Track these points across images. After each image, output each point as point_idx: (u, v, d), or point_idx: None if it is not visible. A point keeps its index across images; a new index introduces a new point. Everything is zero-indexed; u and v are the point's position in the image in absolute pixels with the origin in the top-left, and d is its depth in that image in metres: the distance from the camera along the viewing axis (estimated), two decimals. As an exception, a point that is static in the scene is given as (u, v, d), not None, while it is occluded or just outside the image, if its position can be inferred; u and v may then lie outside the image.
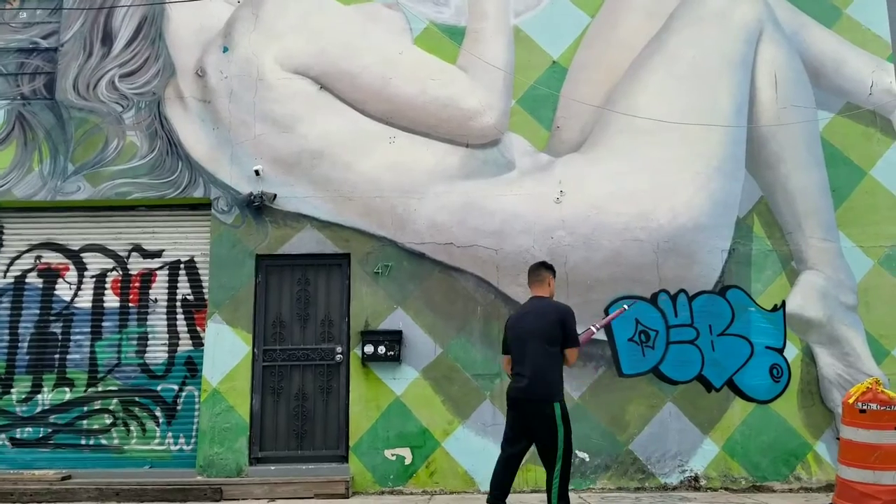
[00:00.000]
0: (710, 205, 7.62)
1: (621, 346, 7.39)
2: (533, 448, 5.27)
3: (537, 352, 5.13)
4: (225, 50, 7.89)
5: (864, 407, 5.20)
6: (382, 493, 7.10)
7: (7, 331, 7.68)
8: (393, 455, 7.19)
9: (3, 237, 7.85)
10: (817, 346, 7.37)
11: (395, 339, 7.28)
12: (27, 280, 7.78)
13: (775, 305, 7.45)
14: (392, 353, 7.24)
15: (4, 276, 7.78)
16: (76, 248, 7.82)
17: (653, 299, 7.47)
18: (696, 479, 7.12)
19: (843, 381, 7.27)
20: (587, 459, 7.20)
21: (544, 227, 7.58)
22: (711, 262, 7.52)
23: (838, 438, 5.71)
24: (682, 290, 7.48)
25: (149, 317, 7.69)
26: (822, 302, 7.44)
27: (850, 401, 5.30)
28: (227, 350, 7.40)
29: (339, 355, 7.43)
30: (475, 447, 7.17)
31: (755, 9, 8.00)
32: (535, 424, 5.13)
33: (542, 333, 5.16)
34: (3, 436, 7.50)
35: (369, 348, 7.26)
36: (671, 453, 7.19)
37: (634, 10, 8.05)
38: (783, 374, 7.32)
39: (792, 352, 7.36)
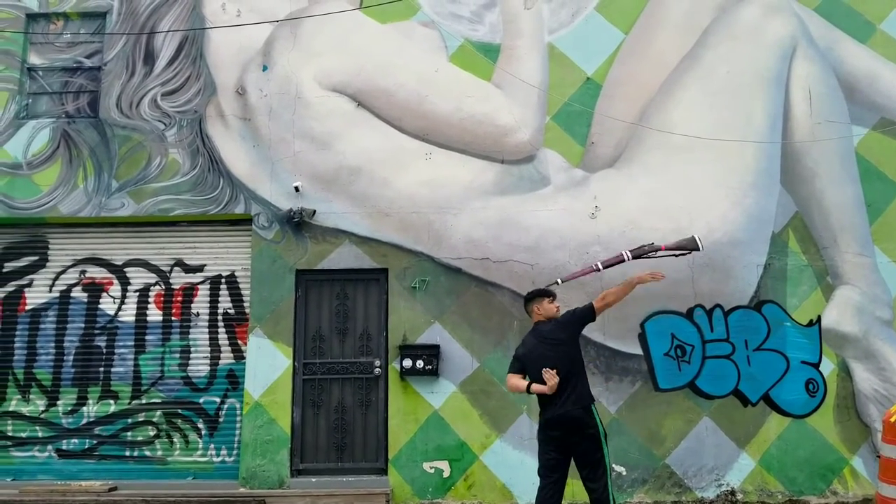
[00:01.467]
0: (745, 220, 7.67)
1: (657, 361, 7.45)
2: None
3: (568, 370, 5.28)
4: (264, 68, 8.04)
5: (907, 425, 5.24)
6: (422, 505, 7.22)
7: (53, 344, 7.86)
8: (431, 468, 7.30)
9: (49, 252, 8.04)
10: (853, 360, 7.40)
11: (432, 353, 7.39)
12: (72, 294, 7.96)
13: (811, 320, 7.48)
14: (430, 367, 7.35)
15: (50, 291, 7.97)
16: (120, 263, 7.99)
17: (689, 314, 7.53)
18: (732, 493, 7.17)
19: (879, 395, 7.29)
20: (624, 473, 7.26)
21: (579, 242, 7.67)
22: (747, 277, 7.57)
23: (878, 456, 5.74)
24: (718, 305, 7.53)
25: (191, 330, 7.84)
26: (857, 317, 7.47)
27: (893, 419, 5.34)
28: (268, 363, 7.54)
29: (377, 369, 7.54)
30: (513, 461, 7.26)
31: (789, 25, 8.04)
32: (577, 440, 5.23)
33: (566, 352, 5.37)
34: (50, 447, 7.68)
35: (407, 362, 7.37)
36: (708, 467, 7.25)
37: (668, 26, 8.12)
38: (819, 388, 7.36)
39: (828, 367, 7.39)
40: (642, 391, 7.41)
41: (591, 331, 7.46)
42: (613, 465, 7.20)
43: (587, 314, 5.51)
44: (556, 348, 5.37)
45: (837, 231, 7.65)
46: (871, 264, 7.56)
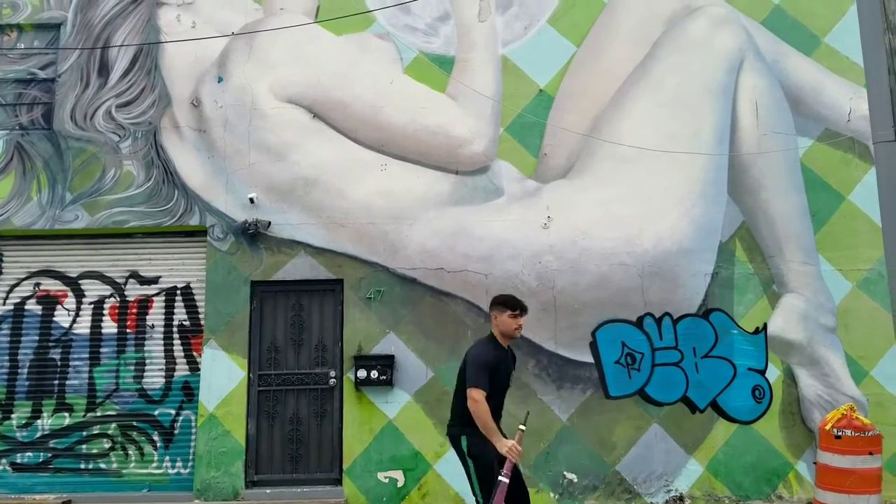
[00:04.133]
0: (694, 230, 7.82)
1: (608, 369, 7.58)
2: None
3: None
4: (220, 80, 8.07)
5: (840, 433, 5.41)
6: (376, 514, 7.28)
7: (7, 357, 7.84)
8: (386, 478, 7.37)
9: (3, 265, 8.02)
10: (798, 367, 7.58)
11: (387, 363, 7.46)
12: (26, 307, 7.94)
13: (757, 328, 7.65)
14: (384, 377, 7.42)
15: (4, 304, 7.94)
16: (74, 276, 7.98)
17: (638, 322, 7.67)
18: (681, 498, 7.32)
19: (823, 401, 7.47)
20: (575, 480, 7.39)
21: (532, 252, 7.77)
22: (695, 286, 7.73)
23: (815, 463, 5.91)
24: (667, 314, 7.68)
25: (146, 342, 7.85)
26: (802, 324, 7.65)
27: (827, 427, 5.51)
28: (223, 375, 7.57)
29: (332, 379, 7.60)
30: (466, 469, 7.34)
31: (736, 38, 8.21)
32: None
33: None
34: (4, 461, 7.65)
35: (362, 373, 7.44)
36: (657, 473, 7.39)
37: (619, 39, 8.25)
38: (765, 395, 7.53)
39: (773, 373, 7.56)
40: (593, 399, 7.53)
41: (543, 340, 7.65)
42: (565, 473, 7.35)
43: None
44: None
45: (783, 240, 7.82)
46: (815, 272, 7.75)
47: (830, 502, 5.43)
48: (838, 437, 5.39)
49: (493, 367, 4.89)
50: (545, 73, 8.19)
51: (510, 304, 5.07)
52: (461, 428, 4.94)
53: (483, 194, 7.89)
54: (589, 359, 7.59)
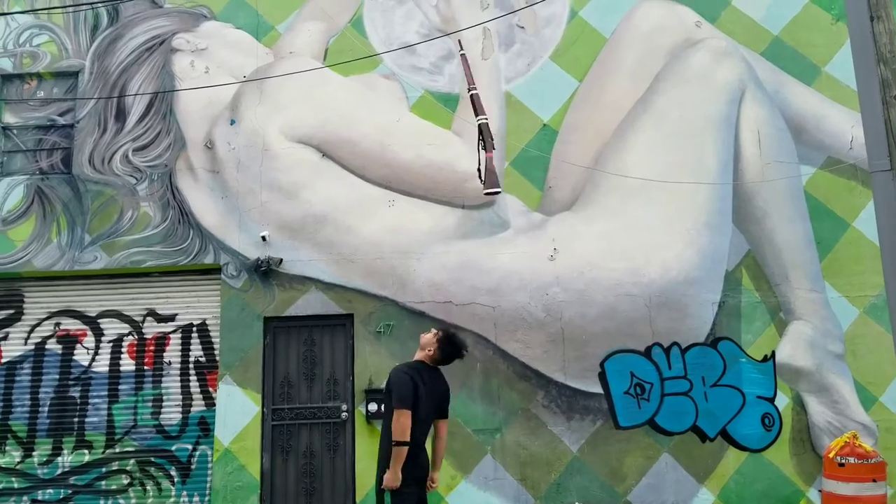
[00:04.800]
0: (700, 259, 7.91)
1: (617, 399, 7.64)
2: None
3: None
4: (232, 122, 8.32)
5: (843, 461, 5.45)
6: (389, 547, 7.33)
7: (28, 396, 8.04)
8: (398, 510, 7.43)
9: (24, 306, 8.25)
10: (807, 394, 7.60)
11: (398, 396, 7.56)
12: (47, 346, 8.16)
13: (765, 356, 7.69)
14: (395, 410, 7.51)
15: (25, 343, 8.16)
16: (93, 315, 8.20)
17: (647, 352, 7.74)
18: (692, 528, 7.34)
19: (833, 428, 7.48)
20: (587, 510, 7.43)
21: (539, 283, 7.89)
22: (702, 315, 7.79)
23: (820, 491, 5.94)
24: (675, 343, 7.74)
25: (163, 379, 8.03)
26: (810, 351, 7.68)
27: (830, 455, 5.55)
28: (237, 410, 7.72)
29: (344, 413, 7.73)
30: (478, 501, 7.42)
31: (736, 70, 8.35)
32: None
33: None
34: (26, 498, 7.82)
35: (373, 406, 7.55)
36: (669, 503, 7.41)
37: (621, 73, 8.42)
38: (775, 422, 7.55)
39: (783, 401, 7.59)
40: (603, 429, 7.59)
41: (552, 371, 7.73)
42: (576, 503, 7.39)
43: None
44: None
45: (789, 268, 7.89)
46: (822, 300, 7.79)
47: (836, 531, 5.46)
48: (842, 465, 5.43)
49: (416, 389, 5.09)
50: (548, 107, 8.36)
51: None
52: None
53: (489, 228, 8.04)
54: (598, 389, 7.66)
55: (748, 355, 7.70)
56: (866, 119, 7.08)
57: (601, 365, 7.71)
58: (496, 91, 8.39)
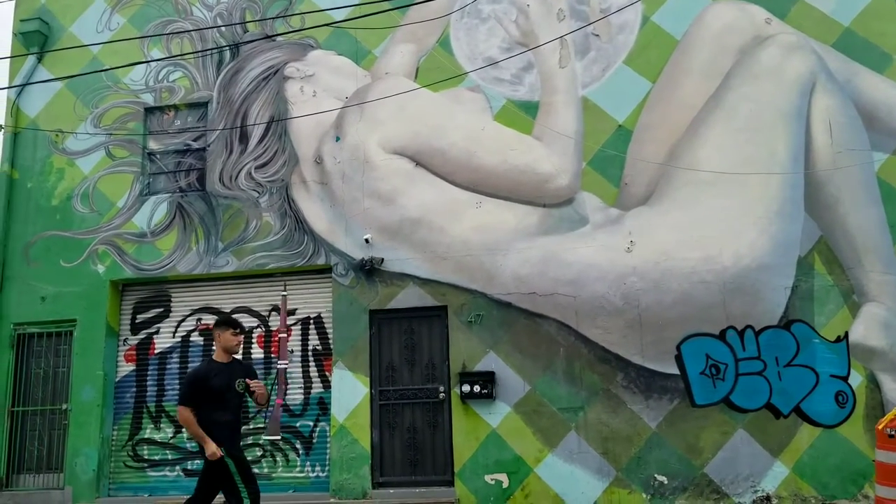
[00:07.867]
0: (772, 246, 8.30)
1: (693, 379, 8.18)
2: None
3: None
4: (337, 139, 9.42)
5: (892, 432, 5.83)
6: (484, 512, 8.25)
7: (177, 380, 9.45)
8: (492, 479, 8.32)
9: (172, 304, 9.70)
10: (881, 372, 7.87)
11: (488, 378, 8.44)
12: (191, 339, 9.57)
13: (838, 336, 8.01)
14: (486, 391, 8.40)
15: (174, 336, 9.61)
16: (228, 311, 9.52)
17: (721, 335, 8.22)
18: (767, 498, 7.79)
19: (908, 405, 7.73)
20: (666, 482, 8.03)
21: (617, 274, 8.53)
22: (775, 299, 8.19)
23: (874, 461, 6.32)
24: (749, 326, 8.19)
25: (288, 365, 9.25)
26: (884, 331, 7.94)
27: (881, 427, 5.95)
28: (349, 391, 8.82)
29: (441, 394, 8.67)
30: (564, 473, 8.18)
31: (807, 62, 8.64)
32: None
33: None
34: (178, 467, 9.25)
35: (466, 387, 8.45)
36: (744, 475, 7.90)
37: (692, 72, 8.90)
38: (848, 399, 7.87)
39: (856, 379, 7.90)
40: (680, 407, 8.15)
41: (630, 354, 8.36)
42: (656, 475, 8.02)
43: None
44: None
45: (862, 252, 8.15)
46: (895, 282, 8.02)
47: (888, 496, 5.83)
48: (892, 437, 5.80)
49: (198, 384, 5.79)
50: (623, 109, 8.96)
51: (232, 324, 6.08)
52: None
53: (569, 224, 8.74)
54: (675, 370, 8.23)
55: (821, 336, 8.04)
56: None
57: (677, 348, 8.25)
58: (574, 97, 9.07)
